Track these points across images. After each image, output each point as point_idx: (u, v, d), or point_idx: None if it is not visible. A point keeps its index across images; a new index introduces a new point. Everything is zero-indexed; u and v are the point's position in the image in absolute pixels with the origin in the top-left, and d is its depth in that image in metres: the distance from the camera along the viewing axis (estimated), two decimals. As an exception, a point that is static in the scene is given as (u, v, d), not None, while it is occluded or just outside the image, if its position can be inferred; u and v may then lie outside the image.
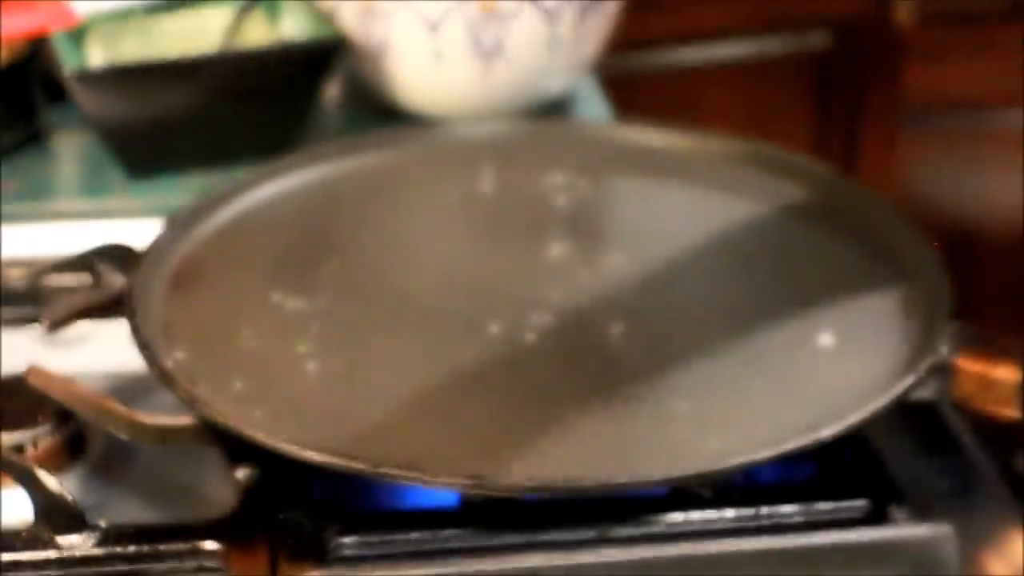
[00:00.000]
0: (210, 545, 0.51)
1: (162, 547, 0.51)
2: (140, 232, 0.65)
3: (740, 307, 0.61)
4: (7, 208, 0.77)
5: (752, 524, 0.52)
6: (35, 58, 0.83)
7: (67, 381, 0.56)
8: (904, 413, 0.56)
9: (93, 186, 0.81)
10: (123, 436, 0.54)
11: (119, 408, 0.54)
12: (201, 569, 0.51)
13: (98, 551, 0.51)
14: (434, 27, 0.80)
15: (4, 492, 0.54)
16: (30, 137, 0.85)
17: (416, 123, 0.83)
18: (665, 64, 1.37)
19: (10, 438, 0.56)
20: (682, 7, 1.35)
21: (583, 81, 0.92)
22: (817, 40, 1.40)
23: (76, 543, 0.51)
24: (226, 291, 0.63)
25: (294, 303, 0.62)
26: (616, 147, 0.75)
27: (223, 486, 0.54)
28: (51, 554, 0.51)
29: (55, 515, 0.52)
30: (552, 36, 0.82)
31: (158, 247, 0.64)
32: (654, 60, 1.37)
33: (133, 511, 0.56)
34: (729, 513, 0.52)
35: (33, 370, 0.56)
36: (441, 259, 0.66)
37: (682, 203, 0.71)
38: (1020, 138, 1.37)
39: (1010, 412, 0.54)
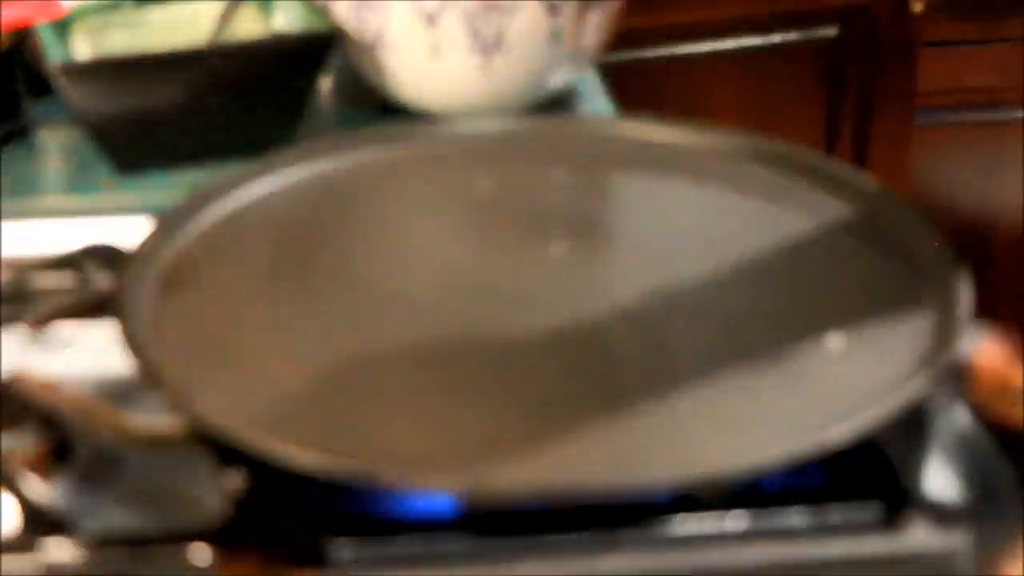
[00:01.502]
0: (201, 552, 0.51)
1: (152, 553, 0.51)
2: (128, 230, 0.65)
3: (747, 307, 0.61)
4: (-8, 205, 0.77)
5: (760, 530, 0.51)
6: (19, 50, 0.83)
7: (52, 388, 0.55)
8: (918, 416, 0.55)
9: (80, 183, 0.81)
10: (111, 441, 0.54)
11: (107, 412, 0.54)
12: (192, 576, 0.50)
13: (85, 559, 0.51)
14: (432, 20, 0.80)
15: (-12, 499, 0.54)
16: (15, 133, 0.85)
17: (414, 119, 0.83)
18: (673, 56, 1.37)
19: (-5, 443, 0.55)
20: (687, 0, 1.35)
21: (585, 75, 0.91)
22: (828, 31, 1.40)
23: (63, 551, 0.51)
24: (218, 291, 0.62)
25: (288, 303, 0.61)
26: (619, 143, 0.74)
27: (214, 491, 0.53)
28: (37, 561, 0.50)
29: (41, 522, 0.51)
30: (553, 29, 0.81)
31: (147, 246, 0.63)
32: (661, 52, 1.37)
33: (121, 517, 0.54)
34: (736, 519, 0.51)
35: (17, 379, 0.56)
36: (439, 258, 0.66)
37: (685, 200, 0.70)
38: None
39: (1027, 415, 0.53)
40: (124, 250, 0.64)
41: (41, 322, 0.62)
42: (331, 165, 0.72)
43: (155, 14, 0.85)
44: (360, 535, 0.50)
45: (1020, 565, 0.50)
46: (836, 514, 0.51)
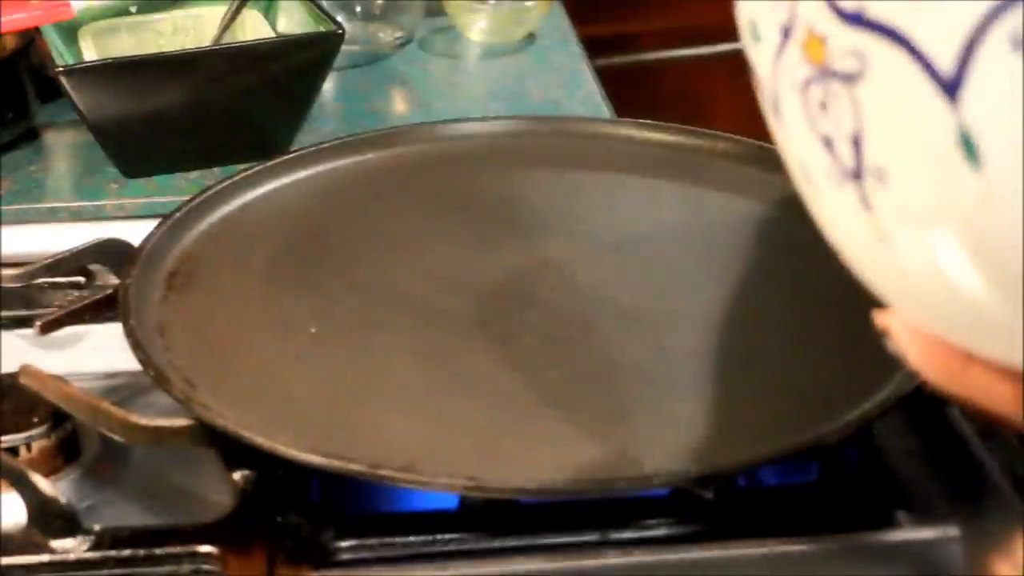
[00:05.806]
0: (206, 548, 0.51)
1: (157, 551, 0.51)
2: (134, 231, 0.65)
3: (740, 306, 0.61)
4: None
5: (754, 527, 0.51)
6: (27, 54, 0.83)
7: (61, 382, 0.55)
8: (909, 416, 0.56)
9: (87, 185, 0.81)
10: (118, 438, 0.54)
11: (114, 409, 0.54)
12: (197, 573, 0.50)
13: (92, 555, 0.51)
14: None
15: (-3, 495, 0.54)
16: (23, 135, 0.85)
17: (413, 122, 0.82)
18: (665, 60, 1.37)
19: (3, 440, 0.56)
20: (684, 3, 1.35)
21: (583, 79, 0.91)
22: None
23: (70, 547, 0.51)
24: (222, 291, 0.62)
25: (291, 303, 0.61)
26: (615, 145, 0.74)
27: (219, 489, 0.54)
28: (44, 558, 0.51)
29: (49, 518, 0.51)
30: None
31: (153, 246, 0.63)
32: (655, 57, 1.36)
33: (128, 514, 0.55)
34: (731, 516, 0.52)
35: (26, 369, 0.56)
36: (439, 258, 0.66)
37: (681, 202, 0.70)
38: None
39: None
40: (130, 248, 0.64)
41: (50, 321, 0.61)
42: (333, 166, 0.72)
43: (161, 18, 0.85)
44: (363, 532, 0.51)
45: (1009, 561, 0.51)
46: (829, 511, 0.52)
